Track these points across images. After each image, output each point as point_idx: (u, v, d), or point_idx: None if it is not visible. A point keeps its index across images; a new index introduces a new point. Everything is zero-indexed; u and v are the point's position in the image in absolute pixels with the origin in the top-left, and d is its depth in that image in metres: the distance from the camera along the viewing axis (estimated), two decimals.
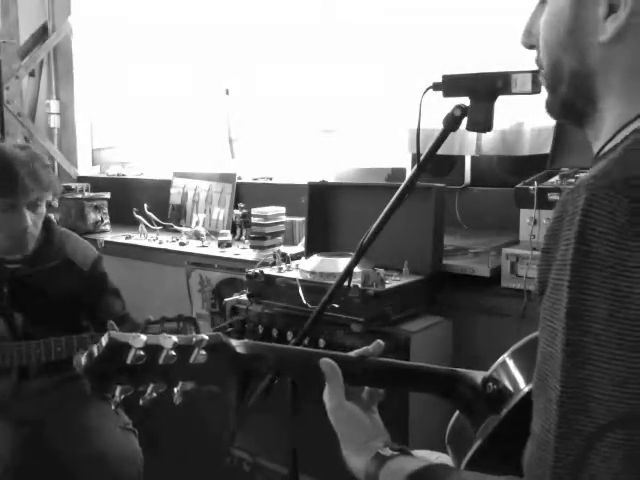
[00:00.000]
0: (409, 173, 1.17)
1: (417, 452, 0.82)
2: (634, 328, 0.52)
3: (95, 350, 0.69)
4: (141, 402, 0.73)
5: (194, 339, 0.72)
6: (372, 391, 0.85)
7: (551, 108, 0.73)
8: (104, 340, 0.68)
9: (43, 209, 1.68)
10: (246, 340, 0.79)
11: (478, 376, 0.81)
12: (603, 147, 0.66)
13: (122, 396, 0.72)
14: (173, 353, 0.71)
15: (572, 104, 0.69)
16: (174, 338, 0.71)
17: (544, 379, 0.57)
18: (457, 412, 0.84)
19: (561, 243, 0.56)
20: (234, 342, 0.77)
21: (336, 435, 0.85)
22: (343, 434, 0.80)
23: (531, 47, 0.73)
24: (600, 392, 0.53)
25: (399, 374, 0.87)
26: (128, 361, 0.69)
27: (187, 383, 0.74)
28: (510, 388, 0.77)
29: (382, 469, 0.73)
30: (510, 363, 0.80)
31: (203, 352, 0.73)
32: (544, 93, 0.74)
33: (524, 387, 0.76)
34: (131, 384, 0.72)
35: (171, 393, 0.75)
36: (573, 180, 1.59)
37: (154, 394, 0.73)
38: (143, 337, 0.69)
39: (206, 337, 0.73)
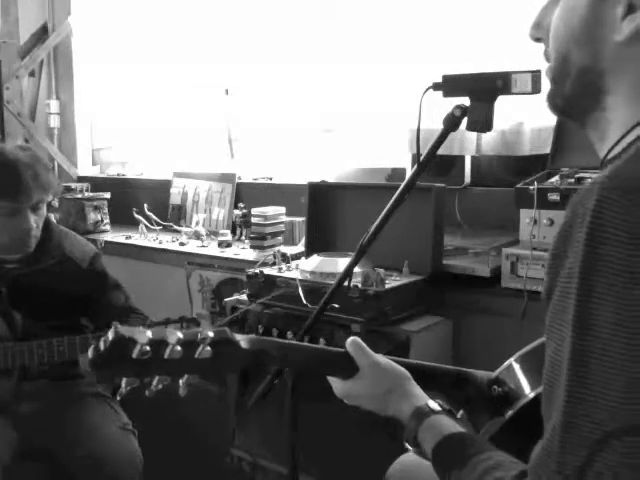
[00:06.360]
0: (409, 173, 1.39)
1: None
2: None
3: (102, 344, 0.80)
4: (147, 393, 0.86)
5: (199, 335, 0.83)
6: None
7: (554, 102, 0.87)
8: (110, 334, 0.79)
9: (44, 210, 1.97)
10: (251, 336, 0.94)
11: (484, 377, 1.02)
12: (610, 150, 0.80)
13: (128, 388, 0.85)
14: (178, 349, 0.82)
15: (576, 101, 0.83)
16: (179, 334, 0.82)
17: (551, 385, 0.68)
18: (461, 411, 1.03)
19: (571, 246, 0.66)
20: (239, 337, 0.90)
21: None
22: (385, 385, 1.03)
23: (537, 40, 0.88)
24: (605, 399, 0.62)
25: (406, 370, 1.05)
26: (134, 355, 0.80)
27: (192, 376, 0.87)
28: (515, 392, 0.94)
29: (422, 425, 0.95)
30: (517, 367, 0.97)
31: (208, 348, 0.84)
32: (544, 93, 0.89)
33: (530, 392, 0.93)
34: (137, 377, 0.84)
35: (176, 385, 0.88)
36: (573, 180, 1.96)
37: (160, 386, 0.86)
38: (149, 332, 0.80)
39: (211, 334, 0.84)
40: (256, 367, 1.07)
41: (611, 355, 0.63)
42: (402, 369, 1.05)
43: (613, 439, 0.62)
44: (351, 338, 1.05)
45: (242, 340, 0.91)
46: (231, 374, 1.92)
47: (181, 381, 0.87)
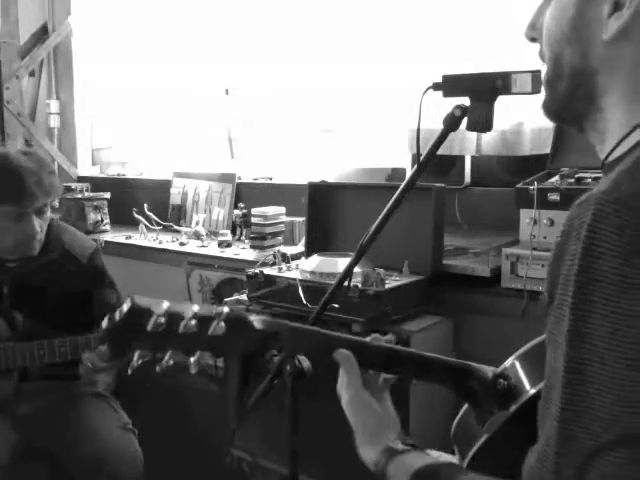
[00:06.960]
0: (409, 173, 1.38)
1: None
2: (636, 347, 0.62)
3: (117, 314, 0.81)
4: (158, 369, 0.86)
5: (214, 311, 0.85)
6: (386, 377, 1.05)
7: (549, 107, 0.88)
8: (126, 305, 0.81)
9: (48, 213, 2.03)
10: (265, 317, 0.94)
11: (489, 371, 0.99)
12: (610, 152, 0.80)
13: (140, 361, 0.85)
14: (193, 322, 0.83)
15: (572, 103, 0.84)
16: (195, 307, 0.84)
17: (549, 392, 0.69)
18: (465, 406, 1.02)
19: (567, 258, 0.68)
20: (253, 317, 0.91)
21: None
22: (357, 424, 0.97)
23: (533, 40, 0.89)
24: (601, 410, 0.63)
25: (411, 362, 1.04)
26: (149, 327, 0.81)
27: (204, 353, 0.87)
28: (520, 386, 0.93)
29: (391, 463, 0.90)
30: (522, 362, 0.96)
31: (222, 324, 0.85)
32: (544, 93, 0.89)
33: (534, 387, 0.92)
34: (150, 350, 0.85)
35: (187, 362, 0.88)
36: (573, 180, 1.97)
37: (171, 362, 0.86)
38: (165, 303, 0.82)
39: (227, 310, 0.85)
40: (266, 350, 0.97)
41: (605, 367, 0.63)
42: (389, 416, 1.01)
43: (607, 450, 0.62)
44: (341, 351, 0.99)
45: (256, 320, 0.91)
46: (234, 366, 1.95)
47: (192, 358, 0.88)
